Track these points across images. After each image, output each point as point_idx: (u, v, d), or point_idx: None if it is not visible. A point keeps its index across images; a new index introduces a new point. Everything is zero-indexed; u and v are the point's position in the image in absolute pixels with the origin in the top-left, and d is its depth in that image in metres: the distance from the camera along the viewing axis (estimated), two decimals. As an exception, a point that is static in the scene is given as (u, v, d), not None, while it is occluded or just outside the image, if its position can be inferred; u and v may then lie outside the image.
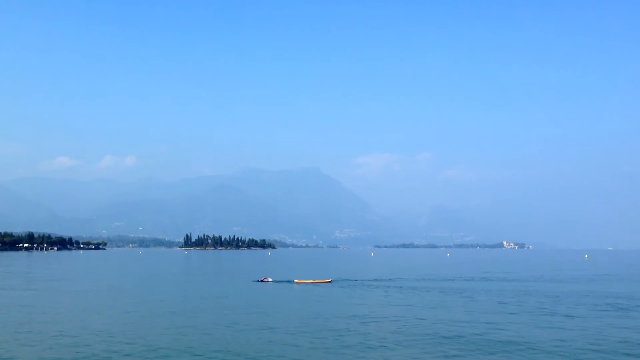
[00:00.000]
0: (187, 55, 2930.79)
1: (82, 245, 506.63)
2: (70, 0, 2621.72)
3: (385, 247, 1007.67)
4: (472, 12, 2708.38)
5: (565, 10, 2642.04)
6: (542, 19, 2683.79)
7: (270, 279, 78.82)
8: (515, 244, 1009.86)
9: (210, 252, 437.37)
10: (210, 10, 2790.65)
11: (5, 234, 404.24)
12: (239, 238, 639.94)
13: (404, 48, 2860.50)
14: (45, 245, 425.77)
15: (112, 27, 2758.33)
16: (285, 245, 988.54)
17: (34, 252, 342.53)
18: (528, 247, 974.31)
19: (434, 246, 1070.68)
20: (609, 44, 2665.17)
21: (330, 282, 75.15)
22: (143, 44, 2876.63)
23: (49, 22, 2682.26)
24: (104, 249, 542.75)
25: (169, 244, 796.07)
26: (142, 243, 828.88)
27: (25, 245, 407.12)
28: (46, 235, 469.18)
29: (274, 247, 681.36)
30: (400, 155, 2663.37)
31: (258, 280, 78.45)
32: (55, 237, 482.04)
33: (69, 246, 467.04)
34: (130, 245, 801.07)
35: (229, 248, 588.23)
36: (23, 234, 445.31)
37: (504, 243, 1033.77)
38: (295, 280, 77.35)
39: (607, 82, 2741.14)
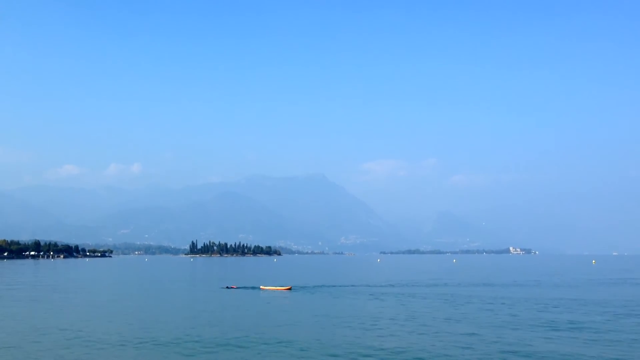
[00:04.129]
0: (191, 63, 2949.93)
1: (88, 253, 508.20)
2: (75, 7, 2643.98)
3: (391, 253, 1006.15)
4: (476, 18, 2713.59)
5: (569, 14, 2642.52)
6: (547, 23, 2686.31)
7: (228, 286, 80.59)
8: (521, 250, 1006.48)
9: (216, 259, 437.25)
10: (215, 17, 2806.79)
11: (12, 242, 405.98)
12: (245, 245, 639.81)
13: (408, 54, 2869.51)
14: (51, 253, 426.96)
15: (117, 35, 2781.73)
16: (291, 252, 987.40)
17: (41, 260, 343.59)
18: (534, 253, 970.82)
19: (439, 252, 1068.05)
20: (614, 48, 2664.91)
21: (289, 289, 75.27)
22: (147, 52, 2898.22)
23: (55, 30, 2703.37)
24: (110, 256, 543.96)
25: (175, 251, 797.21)
26: (148, 250, 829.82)
27: (32, 253, 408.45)
28: (52, 243, 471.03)
29: (279, 254, 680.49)
30: (405, 161, 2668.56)
31: (227, 287, 79.56)
32: (62, 245, 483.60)
33: (75, 254, 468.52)
34: (136, 252, 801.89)
35: (234, 255, 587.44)
36: (29, 242, 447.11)
37: (511, 249, 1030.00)
38: (261, 287, 78.38)
39: (615, 87, 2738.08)
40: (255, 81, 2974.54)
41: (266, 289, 75.74)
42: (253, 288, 79.23)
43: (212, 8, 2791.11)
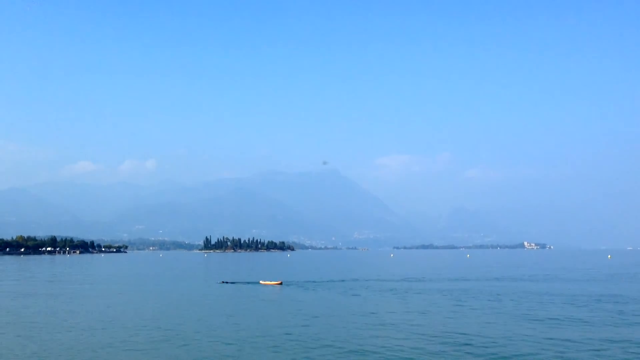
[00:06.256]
0: (205, 60, 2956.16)
1: (103, 249, 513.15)
2: (88, 8, 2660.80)
3: (405, 248, 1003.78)
4: (490, 12, 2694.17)
5: (583, 7, 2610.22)
6: (563, 14, 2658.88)
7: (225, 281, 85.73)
8: (536, 245, 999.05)
9: (229, 254, 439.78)
10: (225, 14, 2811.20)
11: (29, 238, 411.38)
12: (258, 240, 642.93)
13: (421, 50, 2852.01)
14: (67, 248, 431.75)
15: (130, 34, 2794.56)
16: (304, 247, 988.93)
17: (57, 256, 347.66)
18: (549, 248, 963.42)
19: (453, 247, 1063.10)
20: (623, 44, 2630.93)
21: (280, 284, 79.94)
22: (160, 49, 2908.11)
23: (70, 28, 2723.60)
24: (125, 252, 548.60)
25: (189, 247, 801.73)
26: (163, 246, 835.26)
27: (49, 249, 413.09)
28: (68, 239, 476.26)
29: (293, 249, 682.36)
30: (419, 156, 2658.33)
31: (224, 282, 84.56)
32: (78, 241, 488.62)
33: (90, 249, 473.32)
34: (151, 248, 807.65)
35: (248, 250, 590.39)
36: (46, 238, 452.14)
37: (525, 243, 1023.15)
38: (260, 282, 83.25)
39: (631, 81, 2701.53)
40: (269, 77, 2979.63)
41: (264, 284, 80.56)
42: (254, 283, 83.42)
43: (221, 5, 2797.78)
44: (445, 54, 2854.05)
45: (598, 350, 30.97)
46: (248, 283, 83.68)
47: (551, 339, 33.94)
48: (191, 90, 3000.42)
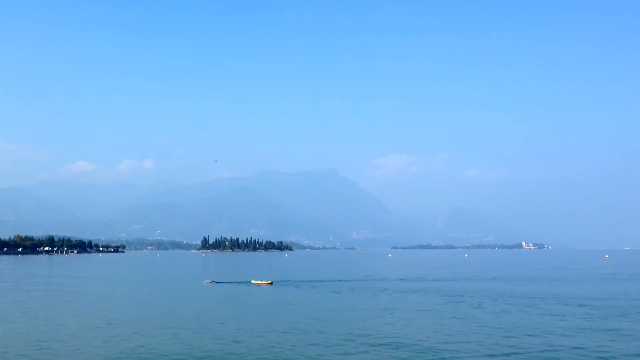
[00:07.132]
0: (203, 60, 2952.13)
1: (101, 249, 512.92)
2: (88, 8, 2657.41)
3: (403, 248, 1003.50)
4: (489, 17, 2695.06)
5: (573, 16, 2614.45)
6: (558, 24, 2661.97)
7: (213, 281, 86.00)
8: (534, 245, 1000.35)
9: (227, 254, 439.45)
10: (226, 16, 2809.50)
11: (26, 238, 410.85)
12: (256, 240, 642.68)
13: (420, 50, 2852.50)
14: (65, 248, 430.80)
15: (129, 34, 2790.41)
16: (302, 247, 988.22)
17: (54, 256, 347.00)
18: (547, 248, 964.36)
19: (451, 247, 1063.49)
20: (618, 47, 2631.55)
21: (271, 283, 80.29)
22: (159, 50, 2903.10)
23: (68, 30, 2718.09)
24: (123, 252, 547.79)
25: (187, 247, 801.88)
26: (160, 246, 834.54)
27: (46, 248, 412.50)
28: (66, 238, 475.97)
29: (291, 249, 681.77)
30: (418, 156, 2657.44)
31: (214, 282, 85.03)
32: (75, 240, 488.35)
33: (88, 249, 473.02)
34: (149, 248, 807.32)
35: (246, 250, 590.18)
36: (44, 238, 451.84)
37: (523, 244, 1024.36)
38: (252, 281, 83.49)
39: (630, 80, 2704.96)
40: (267, 78, 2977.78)
41: (255, 283, 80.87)
42: (246, 282, 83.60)
43: (221, 5, 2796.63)
44: (444, 53, 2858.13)
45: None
46: (239, 283, 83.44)
47: (545, 346, 33.95)
48: (190, 90, 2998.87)
